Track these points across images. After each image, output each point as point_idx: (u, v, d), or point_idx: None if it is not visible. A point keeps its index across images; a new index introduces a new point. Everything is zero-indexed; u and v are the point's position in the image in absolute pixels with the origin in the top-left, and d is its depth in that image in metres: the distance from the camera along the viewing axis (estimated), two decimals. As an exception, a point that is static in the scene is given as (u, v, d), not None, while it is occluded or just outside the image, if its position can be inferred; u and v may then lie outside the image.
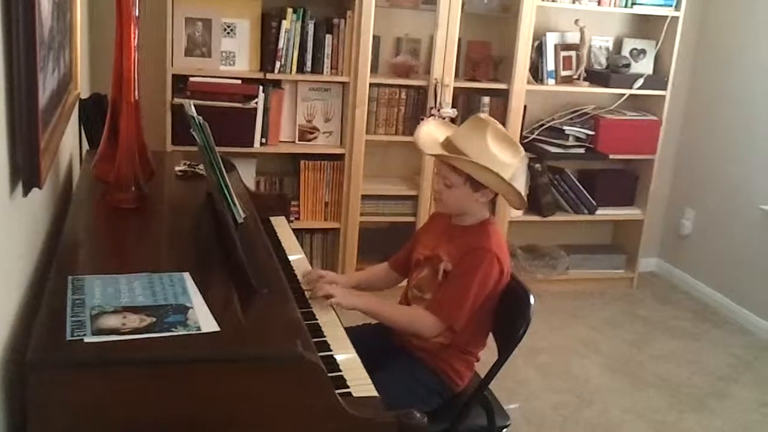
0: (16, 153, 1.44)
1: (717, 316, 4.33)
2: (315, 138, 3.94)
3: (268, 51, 3.69)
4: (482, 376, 2.19)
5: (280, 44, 3.67)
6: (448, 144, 2.17)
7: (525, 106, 4.11)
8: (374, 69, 3.91)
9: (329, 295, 2.07)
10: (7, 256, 1.44)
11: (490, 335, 2.28)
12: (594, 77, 4.28)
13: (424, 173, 3.99)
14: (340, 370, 1.73)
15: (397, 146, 4.15)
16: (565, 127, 4.24)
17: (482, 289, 2.14)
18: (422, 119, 3.89)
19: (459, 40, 3.93)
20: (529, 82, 4.09)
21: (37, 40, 1.43)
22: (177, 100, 3.49)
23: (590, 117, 4.31)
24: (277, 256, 2.07)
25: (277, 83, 3.83)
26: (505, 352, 2.14)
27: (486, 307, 2.18)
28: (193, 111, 2.02)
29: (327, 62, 3.79)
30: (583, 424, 3.15)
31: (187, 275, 1.69)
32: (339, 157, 3.94)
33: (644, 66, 4.34)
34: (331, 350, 1.83)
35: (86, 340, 1.37)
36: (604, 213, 4.47)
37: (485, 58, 4.14)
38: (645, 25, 4.40)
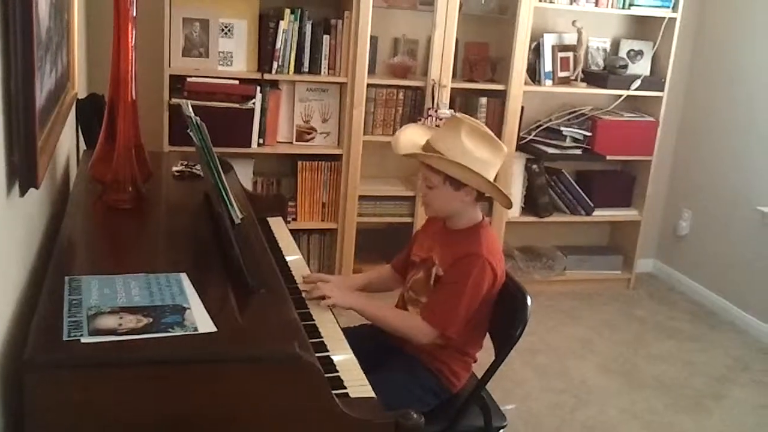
0: (13, 153, 1.44)
1: (714, 317, 4.33)
2: (312, 138, 3.94)
3: (265, 51, 3.69)
4: (479, 376, 2.19)
5: (278, 45, 3.67)
6: (427, 146, 2.18)
7: (522, 107, 4.11)
8: (372, 70, 3.91)
9: (325, 297, 2.08)
10: (4, 256, 1.43)
11: (487, 336, 2.28)
12: (591, 78, 4.29)
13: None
14: (337, 371, 1.74)
15: (395, 147, 4.14)
16: (562, 128, 4.25)
17: (475, 296, 2.13)
18: (419, 120, 3.90)
19: (456, 41, 3.93)
20: (526, 83, 4.09)
21: (34, 40, 1.43)
22: (174, 101, 3.49)
23: (587, 118, 4.32)
24: (275, 257, 2.07)
25: (274, 84, 3.83)
26: (502, 352, 2.14)
27: (482, 308, 2.18)
28: (190, 111, 2.02)
29: (324, 63, 3.79)
30: (579, 424, 3.16)
31: (184, 276, 1.69)
32: (336, 158, 3.94)
33: (641, 67, 4.34)
34: (328, 351, 1.83)
35: (83, 340, 1.37)
36: (602, 214, 4.48)
37: (483, 59, 4.14)
38: (642, 27, 4.40)
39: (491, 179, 2.14)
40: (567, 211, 4.42)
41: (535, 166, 4.29)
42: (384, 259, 4.08)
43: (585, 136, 4.28)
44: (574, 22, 4.15)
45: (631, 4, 4.17)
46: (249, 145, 3.74)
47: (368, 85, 3.83)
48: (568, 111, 4.33)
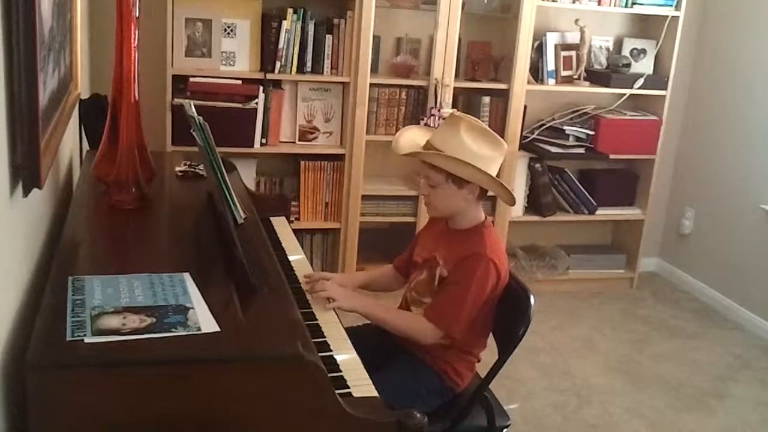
0: (16, 153, 1.44)
1: (717, 316, 4.33)
2: (315, 138, 3.94)
3: (268, 51, 3.69)
4: (482, 376, 2.19)
5: (281, 44, 3.67)
6: (427, 146, 2.17)
7: (525, 106, 4.11)
8: (374, 69, 3.91)
9: (329, 298, 2.08)
10: (8, 257, 1.44)
11: (491, 335, 2.28)
12: (594, 77, 4.28)
13: (424, 173, 3.98)
14: (341, 371, 1.74)
15: (398, 146, 4.14)
16: (565, 127, 4.24)
17: (479, 295, 2.13)
18: (422, 119, 3.90)
19: (459, 40, 3.93)
20: (529, 82, 4.09)
21: (37, 41, 1.44)
22: (177, 101, 3.49)
23: (590, 117, 4.31)
24: (278, 257, 2.07)
25: (277, 83, 3.83)
26: (505, 352, 2.14)
27: (486, 308, 2.18)
28: (193, 111, 2.03)
29: (327, 62, 3.79)
30: (582, 423, 3.15)
31: (187, 275, 1.69)
32: (339, 158, 3.94)
33: (644, 66, 4.34)
34: (331, 350, 1.83)
35: (86, 340, 1.37)
36: (605, 213, 4.47)
37: (485, 58, 4.14)
38: (645, 25, 4.40)
39: (493, 175, 2.14)
40: (570, 210, 4.41)
41: (538, 165, 4.29)
42: (386, 259, 4.06)
43: (588, 135, 4.27)
44: (576, 21, 4.15)
45: (633, 3, 4.17)
46: (252, 145, 3.74)
47: (371, 85, 3.83)
48: (571, 110, 4.33)
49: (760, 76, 4.18)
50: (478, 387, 2.18)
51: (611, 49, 4.41)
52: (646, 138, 4.34)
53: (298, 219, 3.94)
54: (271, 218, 2.67)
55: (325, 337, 1.89)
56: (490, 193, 2.23)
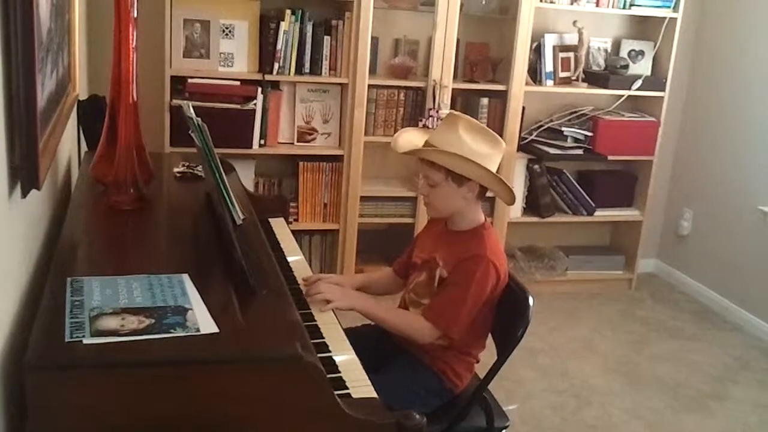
0: (14, 154, 1.44)
1: (716, 317, 4.33)
2: (314, 139, 3.94)
3: (266, 52, 3.69)
4: (481, 377, 2.19)
5: (279, 45, 3.67)
6: (426, 146, 2.17)
7: (523, 108, 4.11)
8: (373, 70, 3.91)
9: (327, 300, 2.07)
10: (6, 258, 1.44)
11: (489, 336, 2.28)
12: (592, 78, 4.29)
13: (422, 174, 3.98)
14: (339, 372, 1.74)
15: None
16: (563, 129, 4.25)
17: (478, 296, 2.13)
18: (420, 120, 3.90)
19: (457, 41, 3.93)
20: (527, 84, 4.09)
21: (35, 42, 1.44)
22: (175, 102, 3.49)
23: (589, 118, 4.32)
24: (276, 258, 2.07)
25: (275, 84, 3.83)
26: (504, 353, 2.14)
27: (485, 310, 2.18)
28: (191, 112, 2.02)
29: (325, 63, 3.79)
30: (581, 424, 3.15)
31: (186, 276, 1.69)
32: (338, 159, 3.94)
33: (642, 67, 4.34)
34: (330, 351, 1.83)
35: (85, 341, 1.37)
36: (603, 214, 4.47)
37: (484, 59, 4.15)
38: (643, 27, 4.40)
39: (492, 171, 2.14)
40: (569, 212, 4.41)
41: (536, 167, 4.29)
42: (385, 260, 4.09)
43: (586, 136, 4.28)
44: (575, 23, 4.15)
45: (631, 5, 4.17)
46: (250, 146, 3.74)
47: (369, 86, 3.83)
48: (570, 111, 4.33)
49: (758, 77, 4.18)
50: (477, 388, 2.18)
51: (609, 50, 4.41)
52: (644, 139, 4.34)
53: (296, 220, 3.94)
54: (270, 219, 2.66)
55: (323, 338, 1.89)
56: (489, 194, 2.23)
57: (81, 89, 2.78)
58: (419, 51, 4.09)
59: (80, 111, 2.91)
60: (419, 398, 2.14)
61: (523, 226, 4.41)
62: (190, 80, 3.57)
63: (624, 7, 4.18)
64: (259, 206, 2.50)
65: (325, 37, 3.75)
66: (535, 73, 4.18)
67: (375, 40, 3.91)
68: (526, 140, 4.23)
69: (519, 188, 4.27)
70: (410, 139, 2.25)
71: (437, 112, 3.85)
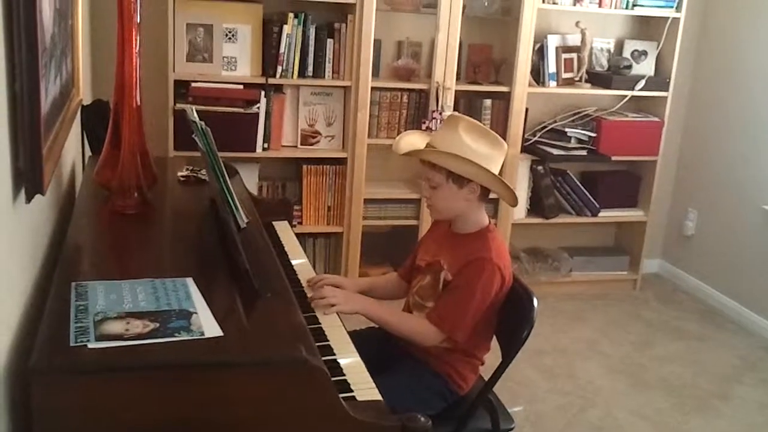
0: (19, 159, 1.44)
1: (721, 317, 4.32)
2: (317, 142, 3.94)
3: (269, 56, 3.69)
4: (486, 379, 2.19)
5: (282, 49, 3.68)
6: (427, 147, 2.17)
7: (527, 109, 4.11)
8: (376, 73, 3.91)
9: (331, 305, 2.06)
10: (11, 262, 1.44)
11: (494, 338, 2.28)
12: (595, 79, 4.28)
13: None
14: (344, 374, 1.73)
15: (399, 150, 4.14)
16: (567, 129, 4.24)
17: (483, 299, 2.13)
18: (423, 122, 3.90)
19: (460, 43, 3.93)
20: (530, 85, 4.09)
21: (39, 47, 1.44)
22: (179, 106, 3.50)
23: (592, 119, 4.31)
24: (280, 261, 2.07)
25: (278, 88, 3.83)
26: (508, 354, 2.13)
27: (490, 312, 2.18)
28: (195, 116, 2.03)
29: (328, 66, 3.79)
30: (587, 426, 3.15)
31: (190, 280, 1.69)
32: (341, 161, 3.94)
33: (645, 67, 4.34)
34: (334, 354, 1.83)
35: (90, 345, 1.37)
36: (607, 215, 4.47)
37: (486, 61, 4.15)
38: (646, 27, 4.40)
39: (494, 173, 2.14)
40: (573, 212, 4.41)
41: (540, 168, 4.29)
42: (389, 262, 4.09)
43: (590, 137, 4.27)
44: (577, 23, 4.15)
45: (634, 5, 4.17)
46: (254, 150, 3.74)
47: (372, 89, 3.84)
48: (573, 112, 4.33)
49: (761, 76, 4.17)
50: (482, 390, 2.18)
51: (612, 50, 4.41)
52: (647, 139, 4.34)
53: (300, 223, 3.94)
54: (274, 223, 2.67)
55: (328, 340, 1.89)
56: (493, 196, 2.23)
57: (85, 94, 2.79)
58: (422, 53, 4.10)
59: (84, 116, 2.92)
60: (424, 401, 2.14)
61: (527, 228, 4.40)
62: (193, 84, 3.58)
63: (627, 8, 4.18)
64: (262, 209, 2.51)
65: (328, 40, 3.75)
66: (538, 75, 4.18)
67: (378, 43, 3.91)
68: (530, 141, 4.23)
69: (523, 190, 4.27)
70: (412, 141, 2.25)
71: (440, 114, 3.85)
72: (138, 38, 2.03)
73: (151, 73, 2.90)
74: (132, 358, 1.37)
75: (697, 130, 4.64)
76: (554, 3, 4.03)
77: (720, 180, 4.45)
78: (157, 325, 1.47)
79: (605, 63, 4.39)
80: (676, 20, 4.20)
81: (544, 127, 4.29)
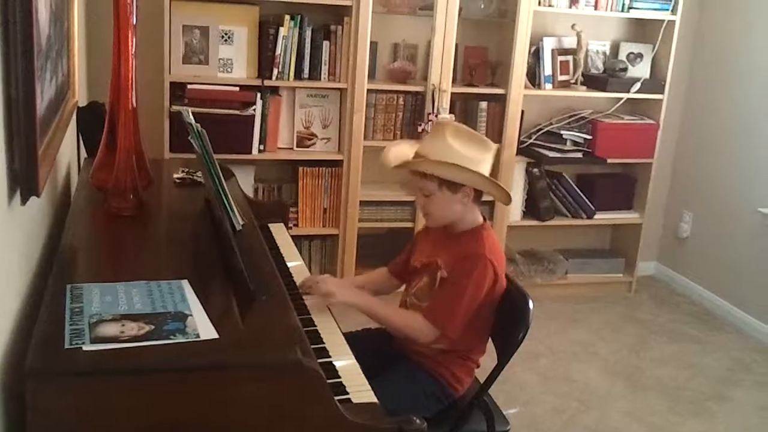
0: (14, 161, 1.44)
1: (716, 320, 4.33)
2: (313, 144, 3.94)
3: (265, 58, 3.69)
4: (482, 381, 2.19)
5: (278, 51, 3.68)
6: (416, 157, 2.18)
7: (522, 111, 4.11)
8: (372, 75, 3.91)
9: (329, 293, 2.07)
10: (6, 265, 1.44)
11: (490, 340, 2.28)
12: (591, 81, 4.29)
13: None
14: (339, 377, 1.73)
15: (395, 152, 4.14)
16: (562, 132, 4.25)
17: (476, 295, 2.13)
18: (419, 125, 3.90)
19: (456, 45, 3.93)
20: (526, 87, 4.09)
21: (34, 49, 1.44)
22: (175, 108, 3.49)
23: (588, 121, 4.32)
24: (276, 263, 2.07)
25: (274, 90, 3.83)
26: (504, 357, 2.14)
27: (484, 312, 2.18)
28: (191, 118, 2.03)
29: (324, 69, 3.79)
30: (582, 428, 3.15)
31: (185, 282, 1.69)
32: (337, 164, 3.94)
33: (641, 70, 4.35)
34: (330, 357, 1.83)
35: (85, 348, 1.37)
36: (603, 217, 4.47)
37: (482, 63, 4.15)
38: (642, 29, 4.41)
39: (486, 175, 2.14)
40: (568, 215, 4.41)
41: (535, 170, 4.29)
42: (385, 264, 4.06)
43: (585, 139, 4.28)
44: (573, 26, 4.16)
45: (630, 7, 4.18)
46: (250, 152, 3.74)
47: (368, 91, 3.84)
48: (569, 114, 4.33)
49: (757, 79, 4.19)
50: (478, 392, 2.18)
51: (608, 53, 4.42)
52: (643, 142, 4.34)
53: (296, 225, 3.94)
54: (270, 225, 2.66)
55: (323, 343, 1.89)
56: (488, 198, 2.23)
57: (80, 96, 2.79)
58: (418, 55, 4.10)
59: (80, 117, 2.92)
60: (420, 403, 2.14)
61: (523, 230, 4.41)
62: (189, 86, 3.58)
63: (622, 10, 4.18)
64: (258, 212, 2.51)
65: (324, 43, 3.76)
66: (533, 77, 4.18)
67: (374, 45, 3.91)
68: (526, 144, 4.23)
69: (518, 192, 4.27)
70: (399, 152, 2.25)
71: (436, 116, 3.86)
72: (134, 40, 2.03)
73: (147, 75, 2.90)
74: (127, 361, 1.37)
75: (693, 133, 4.65)
76: (550, 5, 4.04)
77: (715, 182, 4.46)
78: (153, 327, 1.47)
79: (601, 65, 4.39)
80: (671, 23, 4.21)
81: (540, 129, 4.30)
